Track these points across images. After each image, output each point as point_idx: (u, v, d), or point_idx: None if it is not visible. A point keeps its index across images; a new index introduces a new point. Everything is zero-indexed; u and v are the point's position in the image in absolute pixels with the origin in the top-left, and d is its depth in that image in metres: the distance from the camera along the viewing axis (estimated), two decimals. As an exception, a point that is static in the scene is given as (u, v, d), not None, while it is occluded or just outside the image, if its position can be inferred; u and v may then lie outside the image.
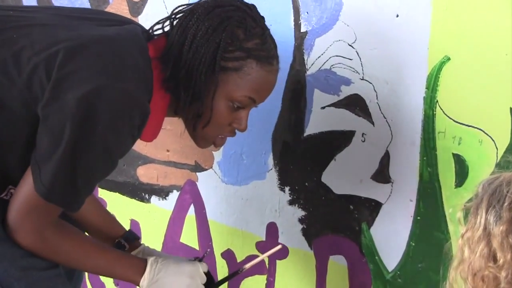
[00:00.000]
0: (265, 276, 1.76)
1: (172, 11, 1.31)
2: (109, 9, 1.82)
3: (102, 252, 1.32)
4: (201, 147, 1.37)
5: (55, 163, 1.14)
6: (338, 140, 1.55)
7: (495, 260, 0.92)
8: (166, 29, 1.32)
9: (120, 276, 1.33)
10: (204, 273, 1.37)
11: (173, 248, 1.95)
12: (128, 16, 1.77)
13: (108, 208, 1.86)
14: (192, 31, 1.23)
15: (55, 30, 1.20)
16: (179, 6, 1.31)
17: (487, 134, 1.32)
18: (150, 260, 1.33)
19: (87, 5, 1.85)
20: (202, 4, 1.27)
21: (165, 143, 1.88)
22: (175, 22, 1.28)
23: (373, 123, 1.50)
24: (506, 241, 0.91)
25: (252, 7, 1.30)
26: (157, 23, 1.32)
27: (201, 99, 1.24)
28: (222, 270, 1.83)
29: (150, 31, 1.31)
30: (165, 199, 1.96)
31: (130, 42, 1.21)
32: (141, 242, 1.52)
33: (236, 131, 1.34)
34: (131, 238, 1.52)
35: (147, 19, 1.65)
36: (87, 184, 1.21)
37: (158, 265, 1.32)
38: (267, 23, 1.33)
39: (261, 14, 1.31)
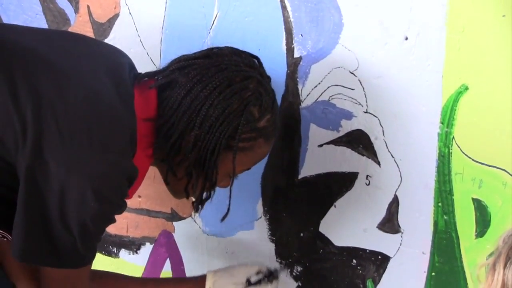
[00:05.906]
0: None
1: (171, 64, 1.35)
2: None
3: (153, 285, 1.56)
4: (177, 198, 1.47)
5: (57, 237, 1.23)
6: (338, 184, 1.55)
7: None
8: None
9: None
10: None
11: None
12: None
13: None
14: (204, 109, 1.29)
15: (38, 76, 1.22)
16: (180, 60, 1.34)
17: (512, 176, 1.32)
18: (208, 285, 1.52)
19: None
20: (213, 71, 1.30)
21: (137, 188, 1.90)
22: (173, 77, 1.33)
23: (379, 163, 1.49)
24: None
25: (263, 72, 1.37)
26: (151, 75, 1.35)
27: (205, 175, 1.34)
28: None
29: (140, 75, 1.37)
30: (136, 253, 1.93)
31: (115, 96, 1.25)
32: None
33: None
34: None
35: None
36: (92, 243, 1.31)
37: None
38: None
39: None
